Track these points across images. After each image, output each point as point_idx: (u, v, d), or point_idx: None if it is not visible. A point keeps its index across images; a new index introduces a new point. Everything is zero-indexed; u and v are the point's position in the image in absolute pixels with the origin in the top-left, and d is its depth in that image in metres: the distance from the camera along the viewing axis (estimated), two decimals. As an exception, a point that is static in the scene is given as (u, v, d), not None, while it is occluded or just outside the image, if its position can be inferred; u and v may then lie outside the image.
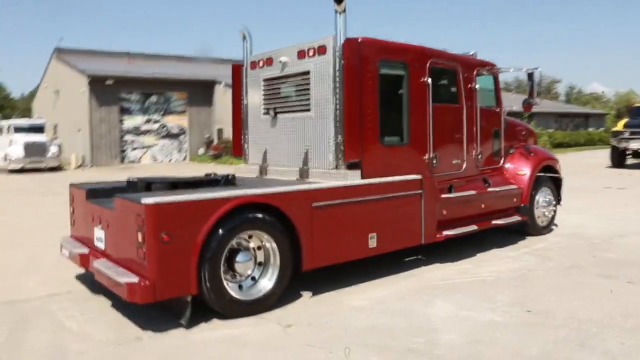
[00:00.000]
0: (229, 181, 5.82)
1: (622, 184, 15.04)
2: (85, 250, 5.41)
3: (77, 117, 28.43)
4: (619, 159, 20.18)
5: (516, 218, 7.69)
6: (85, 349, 4.11)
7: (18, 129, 25.76)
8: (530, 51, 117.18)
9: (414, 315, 4.85)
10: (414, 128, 6.39)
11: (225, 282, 4.67)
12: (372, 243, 5.79)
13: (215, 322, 4.66)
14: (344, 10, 5.67)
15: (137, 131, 28.94)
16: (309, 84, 6.11)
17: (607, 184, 15.02)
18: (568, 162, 17.63)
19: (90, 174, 22.82)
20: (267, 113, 6.81)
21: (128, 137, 28.79)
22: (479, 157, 7.44)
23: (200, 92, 30.72)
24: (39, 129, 26.27)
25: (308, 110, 6.16)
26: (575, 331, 4.36)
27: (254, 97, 7.05)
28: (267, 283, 4.96)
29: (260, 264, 5.04)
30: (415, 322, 4.65)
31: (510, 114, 8.69)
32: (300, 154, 6.31)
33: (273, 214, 4.97)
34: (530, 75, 7.69)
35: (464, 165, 7.15)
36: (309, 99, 6.14)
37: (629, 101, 41.76)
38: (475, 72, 7.30)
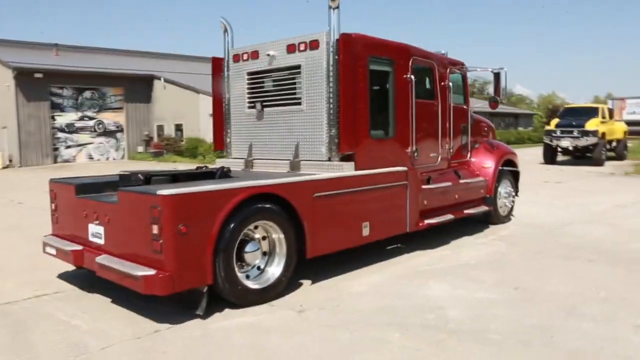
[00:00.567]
0: (224, 174, 5.83)
1: (557, 178, 16.26)
2: (78, 247, 5.24)
3: (3, 113, 26.60)
4: (551, 156, 21.75)
5: (484, 208, 8.21)
6: (105, 344, 4.04)
7: None
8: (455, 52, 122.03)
9: (413, 296, 5.14)
10: (399, 122, 6.69)
11: (237, 272, 4.72)
12: (366, 231, 6.03)
13: (228, 312, 4.71)
14: (338, 7, 5.85)
15: (70, 128, 27.48)
16: (299, 77, 6.24)
17: (544, 178, 16.17)
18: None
19: (22, 174, 21.50)
20: (252, 107, 6.86)
21: (61, 135, 27.28)
22: (451, 150, 7.88)
23: (138, 87, 29.67)
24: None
25: (299, 103, 6.29)
26: (560, 304, 4.83)
27: (237, 91, 7.07)
28: (275, 271, 5.07)
29: (264, 253, 5.13)
30: (418, 302, 4.94)
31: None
32: (290, 146, 6.42)
33: (279, 204, 5.06)
34: (496, 75, 8.23)
35: (439, 159, 7.55)
36: (299, 93, 6.26)
37: (552, 102, 44.77)
38: (448, 70, 7.72)
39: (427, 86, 7.43)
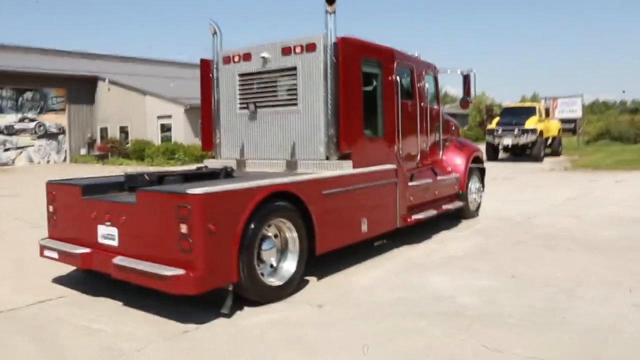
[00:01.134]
0: (228, 174, 5.88)
1: (504, 174, 17.18)
2: (86, 249, 5.11)
3: None
4: (493, 154, 22.94)
5: (459, 203, 8.66)
6: (139, 346, 4.00)
7: None
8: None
9: (421, 287, 5.40)
10: (387, 122, 6.96)
11: (258, 270, 4.80)
12: (364, 228, 6.24)
13: (250, 310, 4.76)
14: (334, 12, 6.04)
15: (10, 130, 25.98)
16: (295, 79, 6.37)
17: (491, 175, 16.99)
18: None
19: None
20: (244, 107, 6.91)
21: (-1, 138, 25.75)
22: (427, 149, 8.26)
23: (81, 88, 28.51)
24: None
25: (295, 104, 6.41)
26: (558, 287, 5.23)
27: (227, 92, 7.09)
28: (289, 268, 5.17)
29: (277, 251, 5.22)
30: (427, 293, 5.20)
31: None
32: (285, 146, 6.53)
33: (292, 202, 5.18)
34: (466, 77, 8.70)
35: (419, 157, 7.90)
36: (295, 94, 6.39)
37: (482, 102, 46.97)
38: (424, 72, 8.09)
39: (408, 87, 7.76)
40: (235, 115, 7.04)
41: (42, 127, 27.25)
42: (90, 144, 28.58)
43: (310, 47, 6.22)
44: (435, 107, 8.71)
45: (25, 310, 4.91)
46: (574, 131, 28.36)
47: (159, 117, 27.02)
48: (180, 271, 4.25)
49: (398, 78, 7.10)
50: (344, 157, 6.20)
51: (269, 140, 6.71)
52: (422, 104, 8.02)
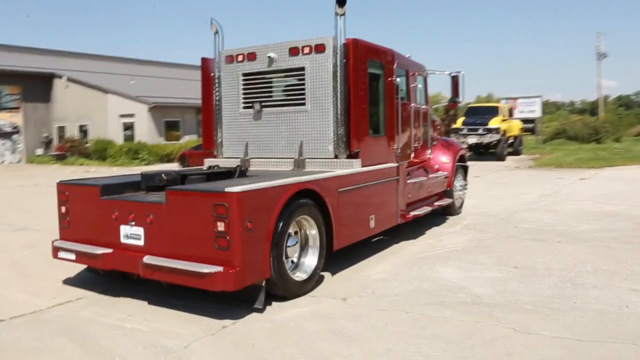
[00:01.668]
0: (242, 172, 5.94)
1: (472, 172, 17.68)
2: (107, 250, 5.07)
3: None
4: (459, 152, 23.64)
5: (448, 200, 9.02)
6: (185, 343, 4.05)
7: None
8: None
9: (434, 279, 5.66)
10: (387, 121, 7.19)
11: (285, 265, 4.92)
12: (372, 224, 6.45)
13: (278, 305, 4.87)
14: (344, 13, 6.20)
15: (-39, 130, 24.74)
16: (303, 79, 6.49)
17: (463, 173, 17.64)
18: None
19: None
20: (248, 107, 6.97)
21: (-53, 137, 24.47)
22: (420, 147, 8.55)
23: (36, 86, 27.47)
24: None
25: (302, 104, 6.54)
26: (561, 277, 5.60)
27: (230, 91, 7.12)
28: (310, 263, 5.32)
29: (299, 247, 5.35)
30: (442, 284, 5.46)
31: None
32: (292, 145, 6.65)
33: (313, 200, 5.32)
34: (454, 78, 9.05)
35: (412, 155, 8.18)
36: (303, 94, 6.51)
37: (439, 102, 48.37)
38: (416, 73, 8.38)
39: (404, 88, 8.03)
40: (238, 114, 7.08)
41: (-4, 126, 26.10)
42: (47, 144, 27.57)
43: (319, 48, 6.36)
44: (425, 107, 9.03)
45: (49, 312, 4.84)
46: (532, 131, 29.63)
47: (122, 116, 26.39)
48: (218, 268, 4.32)
49: (398, 79, 7.34)
50: (352, 155, 6.38)
51: (275, 139, 6.80)
52: (415, 104, 8.31)
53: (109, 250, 5.06)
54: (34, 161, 27.28)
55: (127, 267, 4.97)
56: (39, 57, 30.79)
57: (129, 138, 26.17)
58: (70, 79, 27.42)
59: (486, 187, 14.05)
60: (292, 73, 6.62)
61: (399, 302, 4.93)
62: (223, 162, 7.19)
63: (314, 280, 5.33)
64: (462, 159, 10.04)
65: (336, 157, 6.37)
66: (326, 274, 5.88)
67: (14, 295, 5.37)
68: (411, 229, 8.21)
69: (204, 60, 7.38)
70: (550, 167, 18.95)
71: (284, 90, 6.77)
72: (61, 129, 28.22)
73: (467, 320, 4.41)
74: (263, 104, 6.86)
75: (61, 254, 5.40)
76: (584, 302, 4.80)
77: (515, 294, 5.08)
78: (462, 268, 6.06)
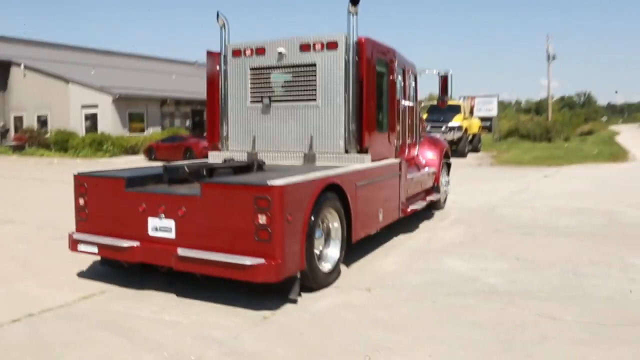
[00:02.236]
0: (260, 167, 6.02)
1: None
2: (134, 242, 5.04)
3: None
4: (423, 149, 24.30)
5: (437, 195, 9.37)
6: (232, 334, 4.11)
7: None
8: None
9: (443, 270, 5.94)
10: (390, 118, 7.43)
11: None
12: (381, 217, 6.68)
13: (306, 297, 4.99)
14: (357, 12, 6.37)
15: None
16: (314, 75, 6.62)
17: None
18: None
19: None
20: (256, 101, 7.03)
21: None
22: (411, 144, 8.85)
23: (-10, 73, 26.09)
24: None
25: (313, 99, 6.67)
26: (561, 268, 6.01)
27: (237, 85, 7.16)
28: (333, 255, 5.48)
29: (324, 239, 5.50)
30: (456, 275, 5.75)
31: None
32: (302, 140, 6.78)
33: (336, 194, 5.48)
34: (443, 77, 9.39)
35: (407, 151, 8.47)
36: (314, 90, 6.65)
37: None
38: (410, 71, 8.66)
39: (402, 85, 8.29)
40: (245, 109, 7.13)
41: (-53, 114, 24.63)
42: (3, 134, 26.29)
43: (332, 45, 6.50)
44: (415, 105, 9.32)
45: (77, 306, 4.80)
46: (489, 129, 30.76)
47: (84, 107, 25.51)
48: (260, 260, 4.41)
49: (398, 77, 7.59)
50: (362, 151, 6.58)
51: (284, 133, 6.90)
52: (409, 101, 8.58)
53: (136, 243, 5.04)
54: (-13, 151, 25.96)
55: (157, 259, 4.97)
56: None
57: (90, 129, 25.32)
58: (27, 67, 26.21)
59: (457, 183, 14.49)
60: (302, 69, 6.73)
61: (420, 292, 5.17)
62: (228, 155, 7.22)
63: (337, 271, 5.50)
64: (447, 155, 10.42)
65: (346, 152, 6.55)
66: (342, 266, 6.05)
67: (32, 290, 5.25)
68: (404, 223, 8.48)
69: (209, 53, 7.37)
70: (510, 165, 19.80)
71: (293, 86, 6.86)
72: (18, 119, 26.98)
73: (492, 308, 4.70)
74: (272, 98, 6.94)
75: (81, 247, 5.32)
76: (591, 290, 5.20)
77: (526, 284, 5.42)
78: (467, 260, 6.38)
